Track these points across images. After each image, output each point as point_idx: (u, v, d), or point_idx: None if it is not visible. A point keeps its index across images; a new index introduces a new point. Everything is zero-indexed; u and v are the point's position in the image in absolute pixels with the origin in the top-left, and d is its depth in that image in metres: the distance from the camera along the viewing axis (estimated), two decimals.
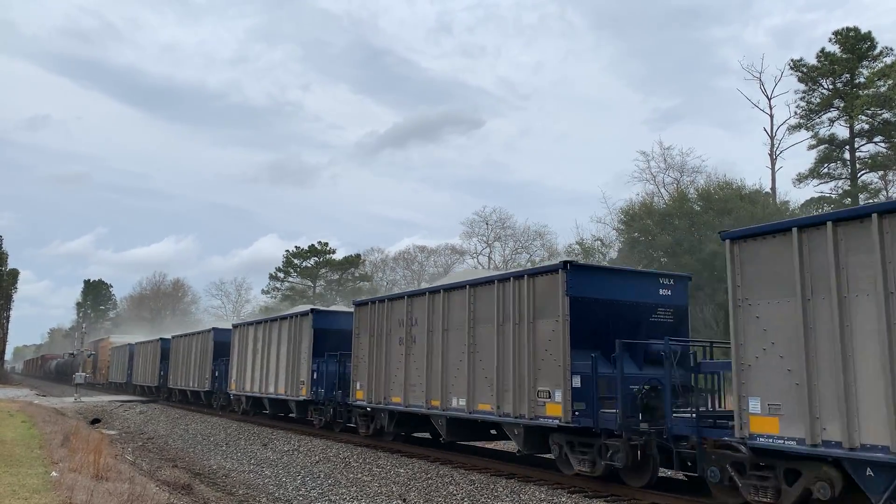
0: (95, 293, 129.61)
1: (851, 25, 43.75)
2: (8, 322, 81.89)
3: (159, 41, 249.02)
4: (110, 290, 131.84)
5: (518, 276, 14.10)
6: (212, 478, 17.10)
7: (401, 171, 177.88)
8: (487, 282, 15.03)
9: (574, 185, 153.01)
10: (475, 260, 67.25)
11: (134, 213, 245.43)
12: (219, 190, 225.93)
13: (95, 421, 28.87)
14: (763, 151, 47.60)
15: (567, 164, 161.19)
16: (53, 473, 11.77)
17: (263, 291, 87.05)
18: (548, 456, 13.88)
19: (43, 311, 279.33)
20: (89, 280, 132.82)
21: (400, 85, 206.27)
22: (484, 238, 66.31)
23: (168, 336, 42.40)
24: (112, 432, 25.72)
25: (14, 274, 79.86)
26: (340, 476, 15.62)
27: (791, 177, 71.75)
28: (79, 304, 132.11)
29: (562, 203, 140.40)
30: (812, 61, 44.41)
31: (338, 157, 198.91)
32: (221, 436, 23.75)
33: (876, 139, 43.43)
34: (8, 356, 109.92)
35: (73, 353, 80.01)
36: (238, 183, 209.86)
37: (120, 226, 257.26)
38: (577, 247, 50.70)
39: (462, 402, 15.17)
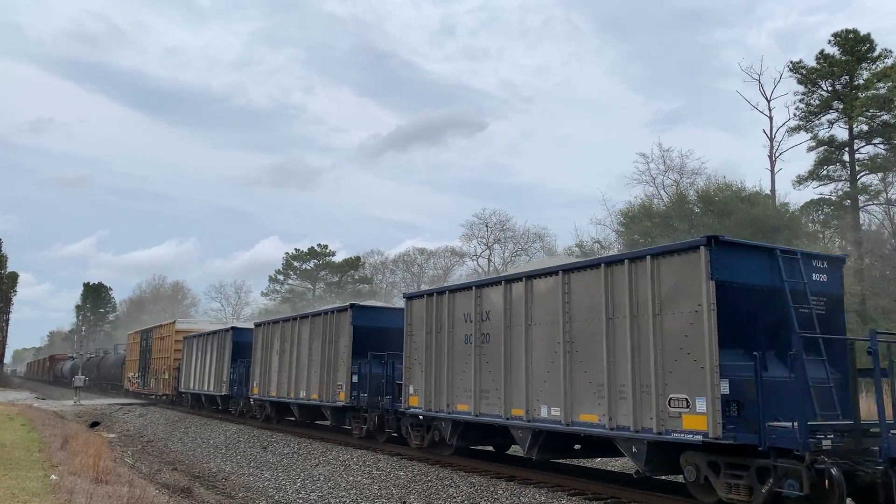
0: (95, 296, 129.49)
1: (851, 28, 43.77)
2: (7, 325, 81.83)
3: (163, 44, 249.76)
4: (110, 292, 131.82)
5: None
6: (211, 481, 17.08)
7: (403, 173, 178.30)
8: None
9: (576, 188, 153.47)
10: (475, 262, 67.28)
11: (135, 215, 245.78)
12: (221, 193, 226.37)
13: (95, 424, 28.83)
14: (764, 153, 47.45)
15: (569, 167, 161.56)
16: (53, 476, 11.75)
17: (263, 294, 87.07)
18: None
19: (43, 314, 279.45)
20: (89, 283, 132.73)
21: (403, 88, 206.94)
22: (483, 240, 66.36)
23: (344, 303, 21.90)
24: (111, 435, 25.69)
25: (13, 277, 79.81)
26: (340, 479, 15.60)
27: (791, 178, 71.83)
28: (78, 307, 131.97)
29: (563, 205, 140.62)
30: (812, 63, 44.45)
31: (340, 160, 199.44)
32: (221, 439, 23.72)
33: (875, 141, 43.40)
34: (7, 359, 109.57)
35: (104, 352, 66.74)
36: (240, 186, 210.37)
37: (121, 228, 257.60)
38: (577, 249, 50.69)
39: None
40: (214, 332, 31.60)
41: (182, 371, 35.69)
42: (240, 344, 28.69)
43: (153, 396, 41.87)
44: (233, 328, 29.89)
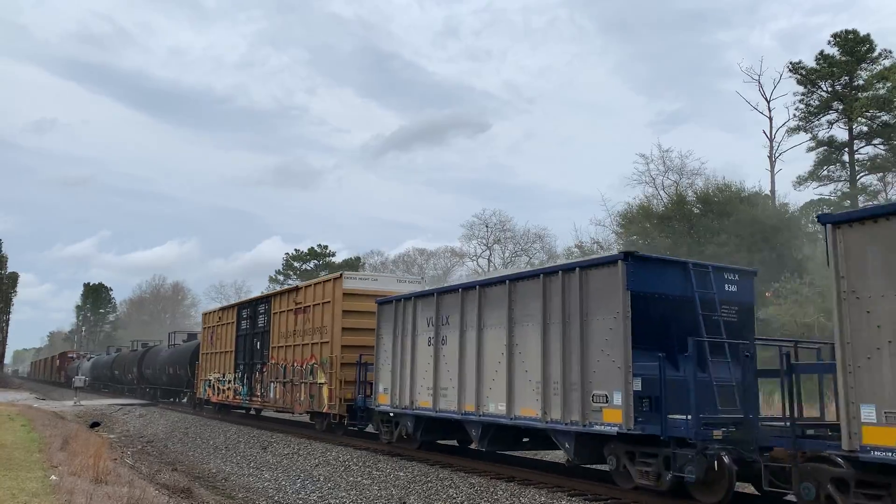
0: (95, 297, 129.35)
1: (852, 28, 43.81)
2: (7, 325, 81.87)
3: (167, 45, 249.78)
4: (110, 293, 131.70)
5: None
6: (211, 481, 17.09)
7: (405, 173, 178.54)
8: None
9: (578, 188, 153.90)
10: (475, 262, 67.26)
11: (137, 216, 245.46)
12: (223, 193, 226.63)
13: (95, 424, 28.81)
14: (765, 154, 47.49)
15: (571, 168, 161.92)
16: (53, 477, 11.75)
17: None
18: None
19: (44, 314, 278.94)
20: (89, 283, 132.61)
21: (406, 88, 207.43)
22: (484, 241, 66.37)
23: None
24: (111, 436, 25.69)
25: (14, 277, 79.85)
26: (340, 479, 15.60)
27: (791, 179, 71.98)
28: (78, 308, 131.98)
29: (565, 206, 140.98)
30: (812, 64, 44.48)
31: (343, 161, 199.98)
32: (221, 440, 23.71)
33: (875, 141, 43.44)
34: (7, 360, 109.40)
35: (142, 344, 49.88)
36: (242, 186, 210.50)
37: (123, 229, 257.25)
38: (577, 250, 50.69)
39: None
40: (531, 275, 13.52)
41: (384, 371, 17.71)
42: (654, 300, 11.76)
43: (259, 413, 28.01)
44: (628, 256, 11.53)
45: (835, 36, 43.71)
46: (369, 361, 18.66)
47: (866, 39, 42.88)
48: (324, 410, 20.46)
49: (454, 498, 12.91)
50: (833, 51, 43.64)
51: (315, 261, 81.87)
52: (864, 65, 43.05)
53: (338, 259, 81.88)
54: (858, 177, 43.51)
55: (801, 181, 45.64)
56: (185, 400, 37.07)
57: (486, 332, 14.40)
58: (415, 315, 16.75)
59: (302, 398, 21.67)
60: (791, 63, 44.97)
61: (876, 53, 42.73)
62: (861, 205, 42.87)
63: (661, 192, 48.90)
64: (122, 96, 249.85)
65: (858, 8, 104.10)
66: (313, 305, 21.73)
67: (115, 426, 30.26)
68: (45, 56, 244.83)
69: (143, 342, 51.83)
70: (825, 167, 45.03)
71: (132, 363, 45.61)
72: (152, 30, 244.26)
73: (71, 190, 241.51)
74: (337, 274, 21.38)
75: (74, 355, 74.08)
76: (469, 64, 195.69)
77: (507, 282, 14.03)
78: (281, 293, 24.87)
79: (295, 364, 22.38)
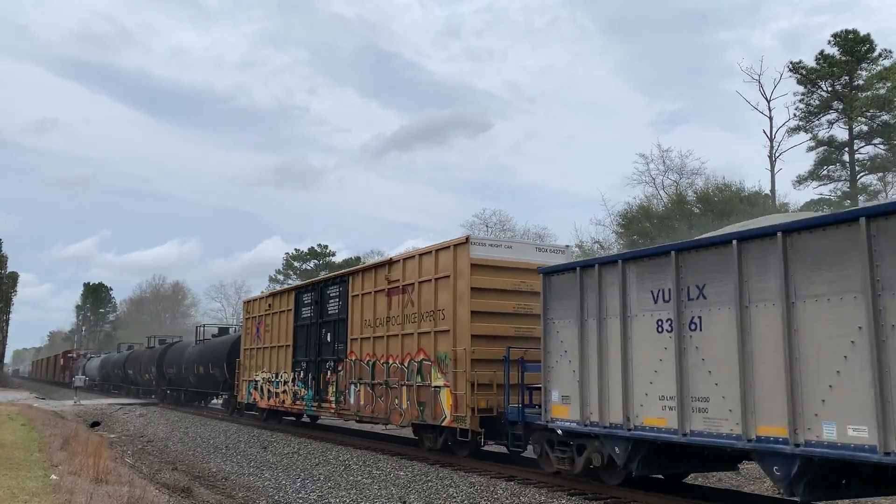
0: (95, 296, 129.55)
1: (852, 28, 43.86)
2: (7, 325, 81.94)
3: (168, 45, 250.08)
4: (110, 293, 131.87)
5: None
6: (211, 481, 17.08)
7: (406, 173, 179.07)
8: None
9: (578, 189, 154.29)
10: None
11: (138, 216, 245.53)
12: (224, 193, 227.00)
13: (95, 424, 28.80)
14: (765, 154, 47.56)
15: (572, 167, 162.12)
16: (53, 476, 11.76)
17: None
18: None
19: (44, 314, 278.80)
20: (89, 283, 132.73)
21: (407, 88, 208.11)
22: None
23: None
24: (112, 435, 25.70)
25: (14, 277, 79.95)
26: (340, 479, 15.62)
27: (791, 179, 72.19)
28: (78, 307, 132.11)
29: (565, 206, 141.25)
30: (812, 64, 44.51)
31: (343, 160, 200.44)
32: (221, 439, 23.73)
33: (875, 141, 43.48)
34: (7, 360, 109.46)
35: (160, 340, 43.94)
36: (243, 186, 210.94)
37: (124, 229, 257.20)
38: (577, 249, 50.71)
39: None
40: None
41: (560, 371, 12.51)
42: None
43: (316, 422, 24.81)
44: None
45: (835, 36, 43.74)
46: (525, 358, 14.16)
47: (866, 39, 42.91)
48: (443, 423, 15.35)
49: (454, 497, 12.91)
50: (833, 51, 43.68)
51: (315, 260, 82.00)
52: (864, 65, 43.09)
53: (338, 259, 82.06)
54: (858, 176, 43.53)
55: (801, 181, 45.71)
56: (219, 403, 32.00)
57: (801, 307, 8.86)
58: (624, 287, 11.44)
59: (404, 406, 16.58)
60: (791, 63, 45.03)
61: (876, 53, 42.77)
62: (860, 204, 42.93)
63: (661, 192, 48.97)
64: (122, 96, 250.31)
65: (859, 8, 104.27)
66: (418, 283, 16.54)
67: (115, 426, 30.27)
68: (46, 56, 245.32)
69: (160, 338, 46.10)
70: (825, 167, 45.07)
71: (150, 362, 40.12)
72: (153, 29, 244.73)
73: (71, 190, 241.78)
74: (461, 237, 15.55)
75: (75, 354, 71.89)
76: (470, 64, 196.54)
77: (864, 219, 8.19)
78: (363, 270, 19.43)
79: (390, 361, 17.36)
